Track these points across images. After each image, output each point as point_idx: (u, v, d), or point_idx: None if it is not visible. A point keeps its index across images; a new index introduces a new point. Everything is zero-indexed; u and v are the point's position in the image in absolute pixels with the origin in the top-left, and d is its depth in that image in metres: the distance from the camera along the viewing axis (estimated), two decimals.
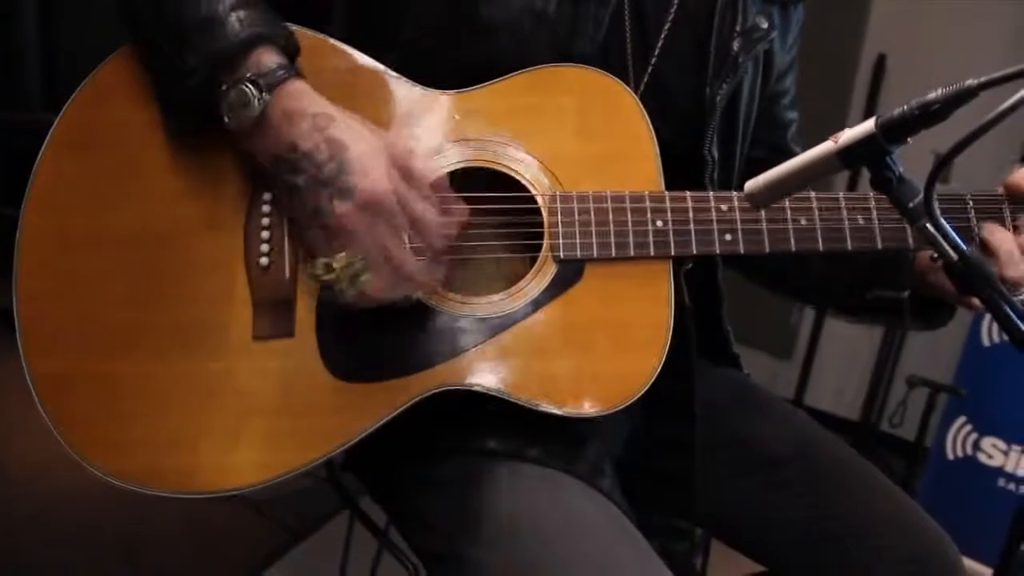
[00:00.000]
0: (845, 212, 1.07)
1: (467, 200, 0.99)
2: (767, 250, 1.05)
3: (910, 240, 1.08)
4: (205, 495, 0.93)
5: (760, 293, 1.39)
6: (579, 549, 0.92)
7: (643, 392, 1.00)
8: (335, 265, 0.89)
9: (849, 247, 1.07)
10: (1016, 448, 2.50)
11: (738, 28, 1.15)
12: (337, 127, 0.90)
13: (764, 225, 1.05)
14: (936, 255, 0.73)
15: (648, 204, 1.03)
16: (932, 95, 0.70)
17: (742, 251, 1.05)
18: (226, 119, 0.90)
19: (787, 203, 1.05)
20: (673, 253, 1.04)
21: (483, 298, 1.01)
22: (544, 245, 1.02)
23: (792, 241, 1.06)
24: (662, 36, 1.13)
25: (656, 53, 1.13)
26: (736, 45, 1.15)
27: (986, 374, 2.57)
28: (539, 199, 1.02)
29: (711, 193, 1.06)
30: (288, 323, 0.97)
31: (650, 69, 1.13)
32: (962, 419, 2.61)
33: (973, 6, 2.91)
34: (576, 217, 1.02)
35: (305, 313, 0.97)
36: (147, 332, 0.95)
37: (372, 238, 0.90)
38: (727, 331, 1.34)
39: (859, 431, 3.12)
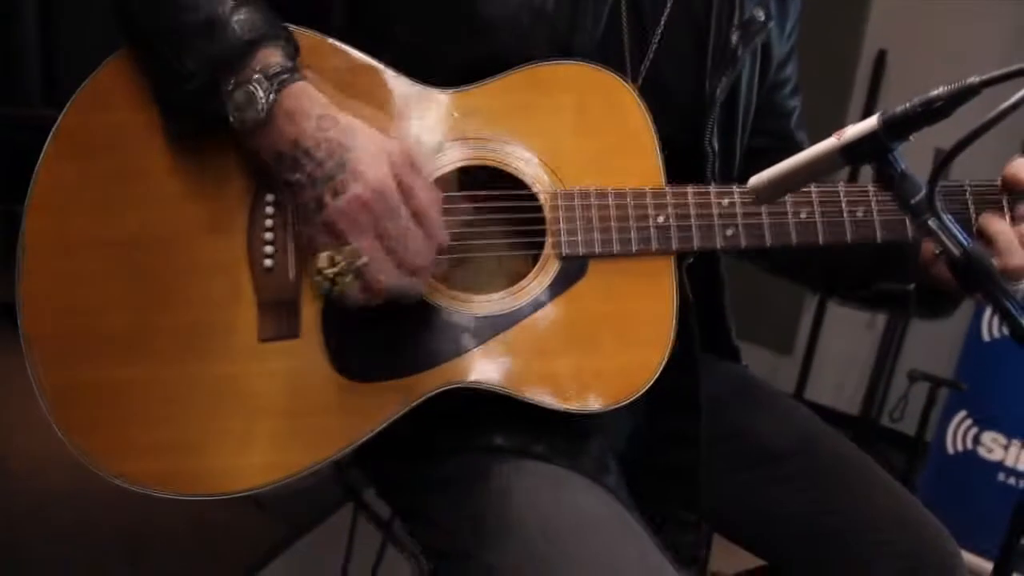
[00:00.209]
0: (844, 205, 1.07)
1: (468, 198, 1.00)
2: (768, 244, 1.06)
3: (909, 232, 1.08)
4: (215, 497, 0.94)
5: (761, 288, 1.40)
6: (585, 546, 0.93)
7: (648, 387, 1.00)
8: (338, 258, 0.89)
9: (849, 240, 1.07)
10: (1016, 442, 2.51)
11: (736, 21, 1.15)
12: (339, 127, 0.91)
13: (765, 219, 1.06)
14: (939, 251, 0.73)
15: (649, 200, 1.04)
16: (935, 92, 0.70)
17: (743, 246, 1.05)
18: (231, 119, 0.90)
19: (787, 196, 1.06)
20: (675, 248, 1.04)
21: (486, 296, 1.01)
22: (547, 243, 1.02)
23: (793, 234, 1.06)
24: (659, 31, 1.13)
25: (653, 48, 1.13)
26: (734, 38, 1.15)
27: (986, 369, 2.58)
28: (541, 196, 1.02)
29: (712, 188, 1.06)
30: (293, 324, 0.97)
31: (647, 64, 1.13)
32: (962, 413, 2.62)
33: (974, 4, 2.91)
34: (578, 214, 1.02)
35: (310, 314, 0.97)
36: (153, 337, 0.95)
37: (374, 231, 0.90)
38: (729, 324, 1.34)
39: (860, 426, 3.12)
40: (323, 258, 0.90)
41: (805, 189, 1.06)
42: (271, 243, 0.97)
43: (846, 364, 3.34)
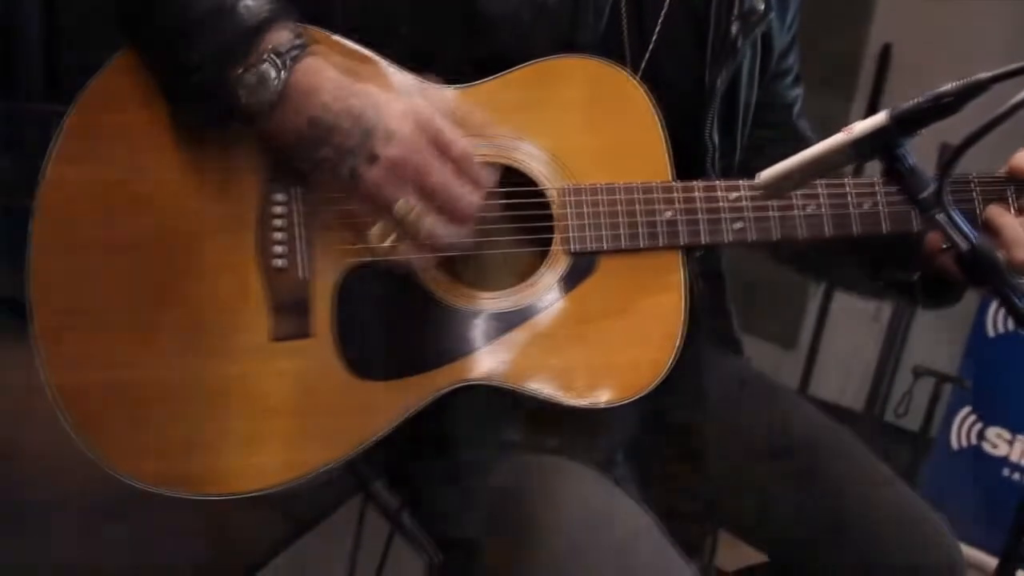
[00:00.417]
0: (851, 198, 1.08)
1: None
2: (776, 238, 1.06)
3: (914, 224, 1.08)
4: (228, 497, 0.94)
5: (765, 283, 1.40)
6: (596, 539, 0.93)
7: (659, 382, 1.01)
8: (388, 227, 0.88)
9: (856, 233, 1.08)
10: (1021, 438, 2.51)
11: (736, 11, 1.14)
12: (357, 94, 0.90)
13: (773, 213, 1.06)
14: (947, 245, 0.73)
15: (657, 195, 1.04)
16: (944, 88, 0.71)
17: (752, 240, 1.05)
18: (243, 103, 0.88)
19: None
20: (683, 243, 1.04)
21: (496, 293, 1.02)
22: (555, 239, 1.03)
23: (801, 228, 1.06)
24: (659, 23, 1.12)
25: (653, 40, 1.13)
26: (734, 29, 1.14)
27: (991, 364, 2.57)
28: (549, 193, 1.03)
29: (720, 182, 1.06)
30: (305, 323, 0.97)
31: (647, 56, 1.12)
32: (967, 409, 2.61)
33: None
34: (586, 209, 1.02)
35: (322, 313, 0.97)
36: (164, 337, 0.94)
37: (419, 189, 0.89)
38: (731, 315, 1.34)
39: (864, 421, 3.11)
40: (374, 233, 0.89)
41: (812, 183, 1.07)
42: (282, 243, 0.97)
43: (850, 359, 3.33)
